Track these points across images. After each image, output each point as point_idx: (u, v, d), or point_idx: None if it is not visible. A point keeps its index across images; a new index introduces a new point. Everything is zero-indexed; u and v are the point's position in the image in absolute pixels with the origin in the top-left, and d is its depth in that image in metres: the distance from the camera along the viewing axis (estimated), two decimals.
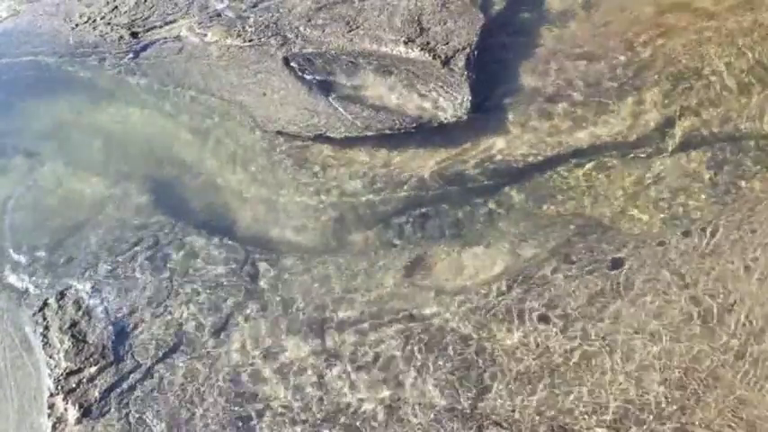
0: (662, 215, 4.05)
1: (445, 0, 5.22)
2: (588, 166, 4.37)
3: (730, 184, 4.10)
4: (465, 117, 4.54)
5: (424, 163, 4.50)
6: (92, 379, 3.71)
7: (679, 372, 3.37)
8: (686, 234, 3.89)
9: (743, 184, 4.09)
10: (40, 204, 4.68)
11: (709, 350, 3.42)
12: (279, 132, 4.72)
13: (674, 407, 3.26)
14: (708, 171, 4.19)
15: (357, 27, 5.12)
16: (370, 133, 4.55)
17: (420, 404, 3.45)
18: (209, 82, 5.06)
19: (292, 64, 5.00)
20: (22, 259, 4.35)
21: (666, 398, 3.29)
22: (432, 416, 3.40)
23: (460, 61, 4.80)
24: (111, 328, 3.91)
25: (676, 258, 3.79)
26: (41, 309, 4.02)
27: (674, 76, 4.68)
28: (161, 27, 5.45)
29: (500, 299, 3.77)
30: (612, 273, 3.78)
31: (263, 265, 4.15)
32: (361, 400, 3.50)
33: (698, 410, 3.23)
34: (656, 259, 3.80)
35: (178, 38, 5.35)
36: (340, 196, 4.44)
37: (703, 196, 4.08)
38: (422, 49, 4.90)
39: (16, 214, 4.63)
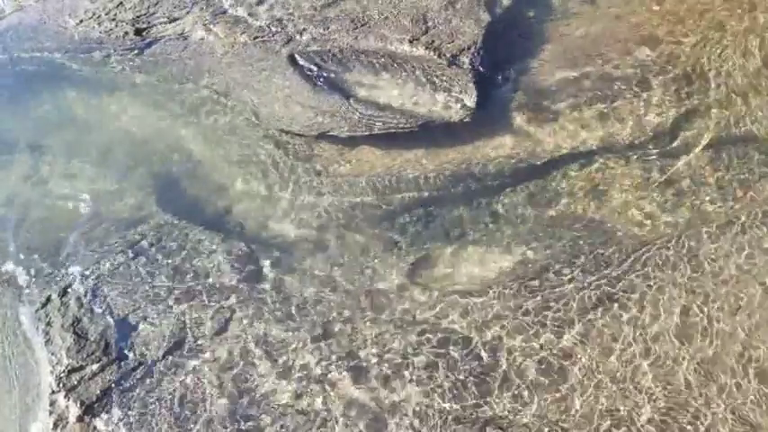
0: (668, 218, 4.02)
1: None
2: (594, 167, 4.34)
3: (737, 186, 4.07)
4: (470, 116, 4.52)
5: (429, 163, 4.48)
6: (93, 376, 3.71)
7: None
8: (692, 237, 3.86)
9: (750, 186, 4.06)
10: (44, 200, 4.68)
11: (706, 359, 3.40)
12: (283, 131, 4.71)
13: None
14: (715, 173, 4.16)
15: (362, 25, 5.10)
16: (374, 132, 4.53)
17: (422, 406, 3.44)
18: (214, 79, 5.05)
19: (297, 62, 4.98)
20: (25, 255, 4.35)
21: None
22: (434, 419, 3.39)
23: (466, 60, 4.78)
24: (113, 325, 3.91)
25: (682, 262, 3.76)
26: (44, 305, 4.02)
27: (682, 77, 4.64)
28: (166, 24, 5.44)
29: (503, 301, 3.75)
30: (617, 276, 3.76)
31: (265, 264, 4.14)
32: (363, 402, 3.49)
33: None
34: (661, 263, 3.78)
35: (183, 35, 5.34)
36: (343, 195, 4.43)
37: (709, 199, 4.06)
38: (427, 48, 4.87)
39: (19, 209, 4.64)
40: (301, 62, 4.97)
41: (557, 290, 3.75)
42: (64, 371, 3.72)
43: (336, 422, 3.44)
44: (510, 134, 4.54)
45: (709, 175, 4.17)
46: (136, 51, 5.34)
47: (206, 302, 3.97)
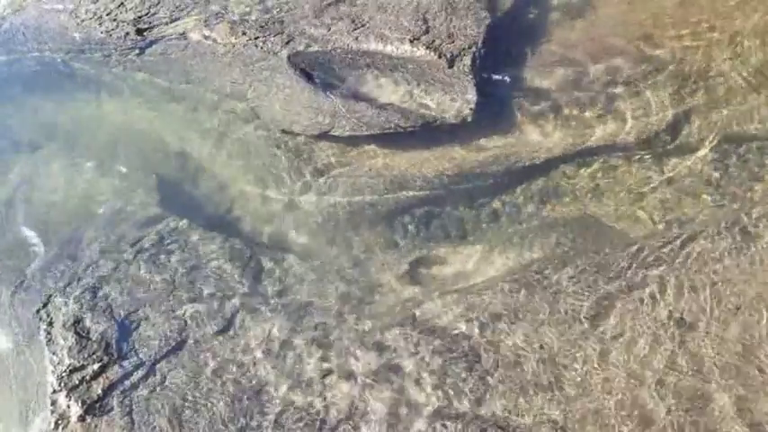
0: (668, 217, 4.03)
1: None
2: (594, 166, 4.35)
3: (737, 186, 4.08)
4: (470, 116, 4.52)
5: (429, 162, 4.49)
6: (95, 376, 3.72)
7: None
8: (692, 236, 3.87)
9: (750, 186, 4.06)
10: (45, 200, 4.69)
11: (705, 358, 3.41)
12: (283, 131, 4.72)
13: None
14: (715, 172, 4.17)
15: (362, 25, 5.10)
16: (374, 132, 4.54)
17: (422, 405, 3.44)
18: (214, 79, 5.06)
19: (297, 62, 4.99)
20: (27, 255, 4.36)
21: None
22: (434, 417, 3.40)
23: (466, 60, 4.78)
24: (114, 325, 3.92)
25: (682, 261, 3.77)
26: (45, 305, 4.03)
27: (682, 77, 4.65)
28: (167, 24, 5.45)
29: (504, 300, 3.76)
30: (617, 275, 3.77)
31: (266, 264, 4.15)
32: (363, 400, 3.50)
33: None
34: (661, 262, 3.78)
35: (183, 35, 5.35)
36: (344, 195, 4.44)
37: (709, 198, 4.06)
38: (427, 48, 4.87)
39: (21, 209, 4.65)
40: (302, 62, 4.97)
41: (557, 289, 3.76)
42: (65, 370, 3.73)
43: (337, 422, 3.45)
44: (510, 134, 4.54)
45: (710, 175, 4.17)
46: (137, 51, 5.34)
47: (207, 302, 3.98)
